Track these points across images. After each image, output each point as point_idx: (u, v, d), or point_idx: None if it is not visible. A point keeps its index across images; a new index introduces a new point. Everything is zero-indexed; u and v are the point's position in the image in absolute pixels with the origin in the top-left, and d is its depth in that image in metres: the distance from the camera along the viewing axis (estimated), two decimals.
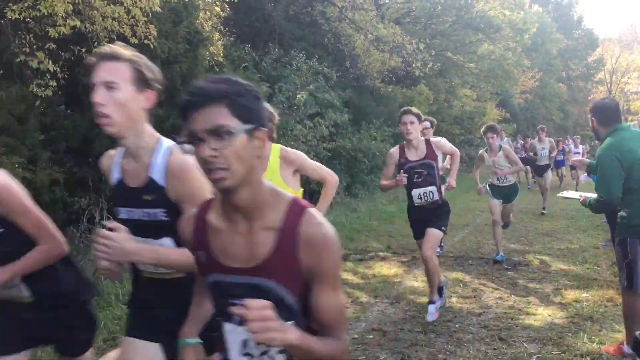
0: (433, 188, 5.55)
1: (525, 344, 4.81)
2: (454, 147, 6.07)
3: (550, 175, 14.32)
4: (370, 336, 5.08)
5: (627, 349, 4.44)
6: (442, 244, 8.72)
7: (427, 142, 5.64)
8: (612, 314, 5.55)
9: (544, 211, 12.94)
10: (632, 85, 59.18)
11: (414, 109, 5.61)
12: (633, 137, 4.28)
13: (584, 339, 4.85)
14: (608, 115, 4.45)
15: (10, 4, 6.19)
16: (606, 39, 61.95)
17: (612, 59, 57.34)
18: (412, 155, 5.56)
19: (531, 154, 14.67)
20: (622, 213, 4.34)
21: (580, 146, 18.52)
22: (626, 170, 4.18)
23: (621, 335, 4.84)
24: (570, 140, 19.99)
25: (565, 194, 5.47)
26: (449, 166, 6.55)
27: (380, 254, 8.60)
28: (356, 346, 4.84)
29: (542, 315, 5.58)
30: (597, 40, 55.63)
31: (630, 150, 4.18)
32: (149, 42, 7.08)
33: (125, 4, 6.70)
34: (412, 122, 5.44)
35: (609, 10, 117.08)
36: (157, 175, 2.20)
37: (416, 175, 5.51)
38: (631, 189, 4.20)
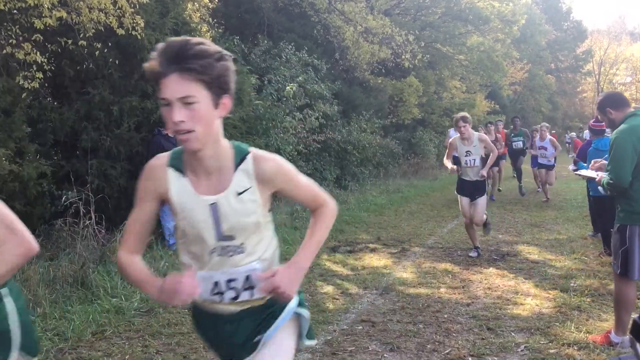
0: None
1: (513, 334, 4.85)
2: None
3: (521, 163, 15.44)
4: (360, 327, 5.10)
5: (614, 337, 4.48)
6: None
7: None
8: (599, 304, 5.60)
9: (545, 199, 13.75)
10: (621, 77, 59.53)
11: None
12: None
13: (571, 329, 4.90)
14: (617, 99, 4.59)
15: None
16: (595, 30, 62.26)
17: (600, 50, 57.58)
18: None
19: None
20: (624, 200, 4.37)
21: (549, 137, 13.41)
22: (638, 155, 4.21)
23: (608, 325, 4.89)
24: (536, 134, 14.13)
25: (583, 172, 5.50)
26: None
27: (370, 245, 8.62)
28: (345, 337, 4.85)
29: (530, 305, 5.62)
30: (586, 32, 55.81)
31: None
32: (135, 33, 7.02)
33: None
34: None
35: (597, 1, 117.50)
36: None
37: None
38: None
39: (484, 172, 7.62)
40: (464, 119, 7.55)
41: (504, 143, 14.46)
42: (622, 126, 4.37)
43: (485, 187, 7.91)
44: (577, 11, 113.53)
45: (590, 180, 6.95)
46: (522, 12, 27.33)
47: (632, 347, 2.70)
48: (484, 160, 7.95)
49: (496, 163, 12.90)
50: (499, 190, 15.40)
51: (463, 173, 7.74)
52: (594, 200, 8.14)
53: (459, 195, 7.86)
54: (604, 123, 5.62)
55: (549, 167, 13.56)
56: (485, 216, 7.81)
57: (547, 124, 14.40)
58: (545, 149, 13.38)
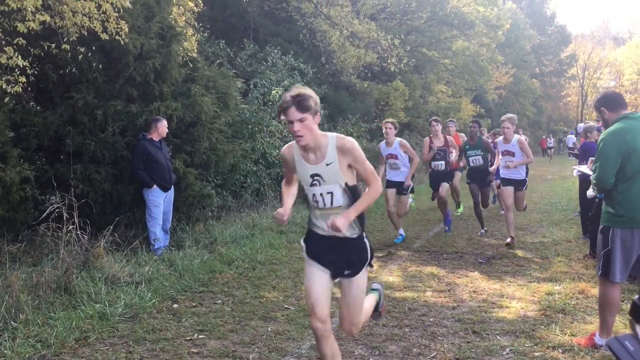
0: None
1: (498, 337, 4.86)
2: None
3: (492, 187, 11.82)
4: None
5: (598, 339, 4.50)
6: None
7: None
8: (584, 306, 5.64)
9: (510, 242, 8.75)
10: (604, 81, 60.15)
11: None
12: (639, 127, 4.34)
13: (556, 331, 4.92)
14: (613, 100, 4.57)
15: None
16: (579, 35, 62.98)
17: (584, 54, 58.18)
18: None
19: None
20: (609, 202, 4.41)
21: (517, 138, 8.57)
22: (624, 157, 4.25)
23: (592, 327, 4.92)
24: (499, 138, 9.03)
25: (582, 168, 5.56)
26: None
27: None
28: None
29: (515, 308, 5.64)
30: (570, 37, 56.42)
31: (633, 138, 4.25)
32: (119, 38, 6.97)
33: (95, 0, 6.59)
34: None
35: (581, 6, 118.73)
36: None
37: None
38: (624, 177, 4.27)
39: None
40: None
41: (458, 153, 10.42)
42: (611, 128, 4.41)
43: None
44: (561, 16, 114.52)
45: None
46: (506, 17, 27.61)
47: (632, 328, 2.71)
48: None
49: (449, 177, 10.34)
50: (457, 213, 11.90)
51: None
52: (583, 202, 8.30)
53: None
54: None
55: (519, 185, 8.71)
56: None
57: (512, 116, 8.81)
58: (513, 154, 8.50)
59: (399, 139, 9.09)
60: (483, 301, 5.92)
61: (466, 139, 10.76)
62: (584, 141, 9.57)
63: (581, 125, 11.86)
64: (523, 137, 9.16)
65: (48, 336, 4.71)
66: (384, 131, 9.02)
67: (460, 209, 12.03)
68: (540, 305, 5.71)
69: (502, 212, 10.55)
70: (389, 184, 9.11)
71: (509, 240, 8.65)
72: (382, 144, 9.18)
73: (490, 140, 10.84)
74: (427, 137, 10.11)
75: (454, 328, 5.13)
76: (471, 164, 10.07)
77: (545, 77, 53.20)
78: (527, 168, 9.23)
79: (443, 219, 10.57)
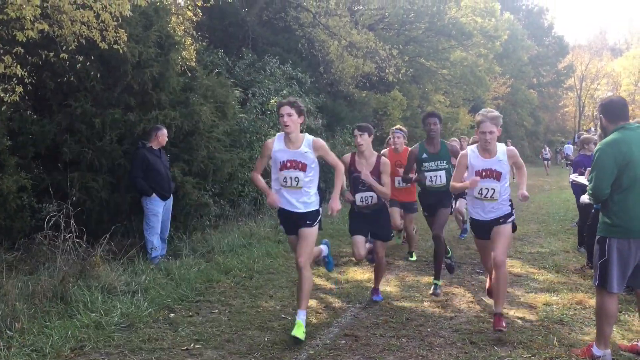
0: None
1: (495, 347, 4.85)
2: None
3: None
4: (343, 341, 5.07)
5: (596, 350, 4.49)
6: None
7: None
8: (582, 317, 5.63)
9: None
10: (602, 92, 60.23)
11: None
12: (636, 138, 4.32)
13: (553, 342, 4.91)
14: (614, 110, 4.51)
15: None
16: (576, 45, 63.10)
17: (581, 65, 58.31)
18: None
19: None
20: (605, 212, 4.41)
21: (503, 146, 5.47)
22: (619, 168, 4.25)
23: (590, 338, 4.91)
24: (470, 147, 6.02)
25: (580, 179, 5.53)
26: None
27: (354, 259, 8.58)
28: (328, 351, 4.82)
29: (512, 318, 5.62)
30: (567, 47, 56.58)
31: (629, 149, 4.25)
32: (118, 46, 6.98)
33: (94, 9, 6.60)
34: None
35: (579, 17, 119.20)
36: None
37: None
38: (620, 187, 4.27)
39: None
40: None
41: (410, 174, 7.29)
42: (608, 138, 4.42)
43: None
44: (558, 27, 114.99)
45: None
46: (504, 27, 27.68)
47: None
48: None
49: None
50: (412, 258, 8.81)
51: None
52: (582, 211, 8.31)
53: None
54: None
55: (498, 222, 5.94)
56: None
57: (495, 114, 5.33)
58: (497, 175, 5.76)
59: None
60: (481, 311, 5.91)
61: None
62: (579, 153, 9.60)
63: (582, 134, 11.40)
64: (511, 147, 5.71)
65: (43, 345, 4.68)
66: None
67: (413, 258, 8.74)
68: (538, 315, 5.70)
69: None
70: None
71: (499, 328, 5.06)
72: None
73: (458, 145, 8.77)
74: (349, 154, 6.39)
75: (452, 338, 5.11)
76: (428, 182, 6.78)
77: (542, 88, 53.32)
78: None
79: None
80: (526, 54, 41.69)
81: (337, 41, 17.61)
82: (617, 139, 4.33)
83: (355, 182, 6.16)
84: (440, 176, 6.72)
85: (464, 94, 27.31)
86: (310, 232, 5.32)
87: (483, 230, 5.51)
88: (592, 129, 24.33)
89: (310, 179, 5.39)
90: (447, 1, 22.01)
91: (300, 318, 5.07)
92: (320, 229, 5.52)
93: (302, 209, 5.34)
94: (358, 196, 6.15)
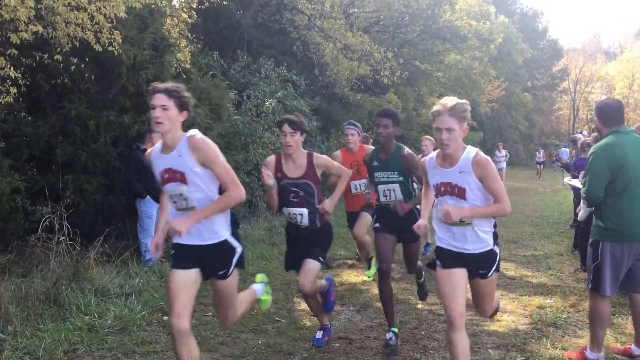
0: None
1: (489, 350, 4.85)
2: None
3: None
4: (337, 345, 5.07)
5: (589, 353, 4.50)
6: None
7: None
8: (575, 320, 5.64)
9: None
10: (596, 95, 60.50)
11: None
12: (630, 142, 4.33)
13: (547, 345, 4.92)
14: (609, 114, 4.50)
15: None
16: (570, 49, 63.41)
17: (576, 68, 58.59)
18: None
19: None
20: (599, 216, 4.42)
21: (470, 150, 3.73)
22: (613, 172, 4.25)
23: (583, 341, 4.92)
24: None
25: (574, 182, 5.51)
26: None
27: (348, 261, 8.60)
28: (322, 355, 4.82)
29: (506, 321, 5.63)
30: (562, 51, 56.87)
31: (622, 153, 4.26)
32: (113, 48, 6.97)
33: (89, 10, 6.59)
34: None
35: (573, 21, 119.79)
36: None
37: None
38: (614, 191, 4.28)
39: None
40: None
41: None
42: (602, 142, 4.43)
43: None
44: (553, 30, 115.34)
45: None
46: (499, 31, 27.78)
47: None
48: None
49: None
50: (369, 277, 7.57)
51: None
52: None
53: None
54: None
55: (479, 266, 4.17)
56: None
57: (458, 103, 3.75)
58: (460, 193, 4.08)
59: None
60: (474, 315, 5.90)
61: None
62: (579, 155, 9.55)
63: (578, 136, 11.10)
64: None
65: (36, 348, 4.66)
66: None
67: (372, 271, 7.43)
68: (532, 319, 5.71)
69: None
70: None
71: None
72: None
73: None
74: (273, 156, 4.99)
75: (446, 341, 5.10)
76: (382, 198, 5.20)
77: (537, 91, 53.57)
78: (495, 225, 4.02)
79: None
80: (521, 57, 41.88)
81: (332, 44, 17.64)
82: (611, 143, 4.34)
83: (283, 192, 4.71)
84: (394, 190, 5.10)
85: (459, 96, 27.28)
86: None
87: (452, 259, 3.90)
88: (585, 132, 24.32)
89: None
90: (441, 4, 22.10)
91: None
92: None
93: None
94: (286, 211, 4.76)
